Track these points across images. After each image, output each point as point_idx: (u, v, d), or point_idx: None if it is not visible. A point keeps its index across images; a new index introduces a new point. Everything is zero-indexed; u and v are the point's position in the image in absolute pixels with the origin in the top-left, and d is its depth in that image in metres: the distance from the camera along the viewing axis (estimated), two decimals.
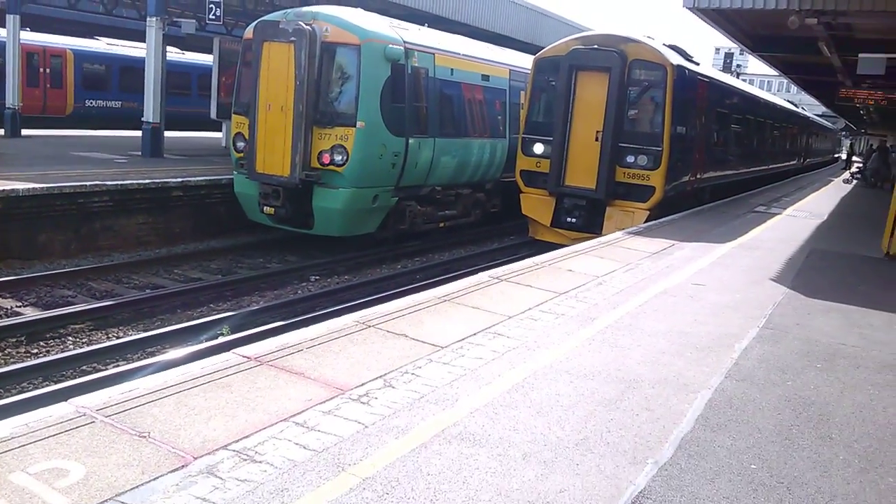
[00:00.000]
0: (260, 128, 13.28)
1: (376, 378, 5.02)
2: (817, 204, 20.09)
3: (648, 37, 15.42)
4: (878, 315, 8.02)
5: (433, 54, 14.85)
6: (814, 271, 10.24)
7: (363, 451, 3.97)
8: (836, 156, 64.88)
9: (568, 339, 6.22)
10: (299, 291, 11.96)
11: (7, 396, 7.20)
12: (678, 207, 15.26)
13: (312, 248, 14.37)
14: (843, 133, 69.03)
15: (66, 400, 4.35)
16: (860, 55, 15.24)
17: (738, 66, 68.92)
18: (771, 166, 27.24)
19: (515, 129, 16.92)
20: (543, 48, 15.98)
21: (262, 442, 3.99)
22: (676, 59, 14.57)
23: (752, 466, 4.19)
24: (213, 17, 18.30)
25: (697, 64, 16.84)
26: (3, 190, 11.68)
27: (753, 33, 18.93)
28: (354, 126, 12.96)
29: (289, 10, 13.69)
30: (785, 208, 17.92)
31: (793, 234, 13.60)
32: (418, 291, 7.92)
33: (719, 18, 16.31)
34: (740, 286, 8.80)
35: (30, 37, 24.85)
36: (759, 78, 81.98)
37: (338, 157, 13.00)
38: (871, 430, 4.88)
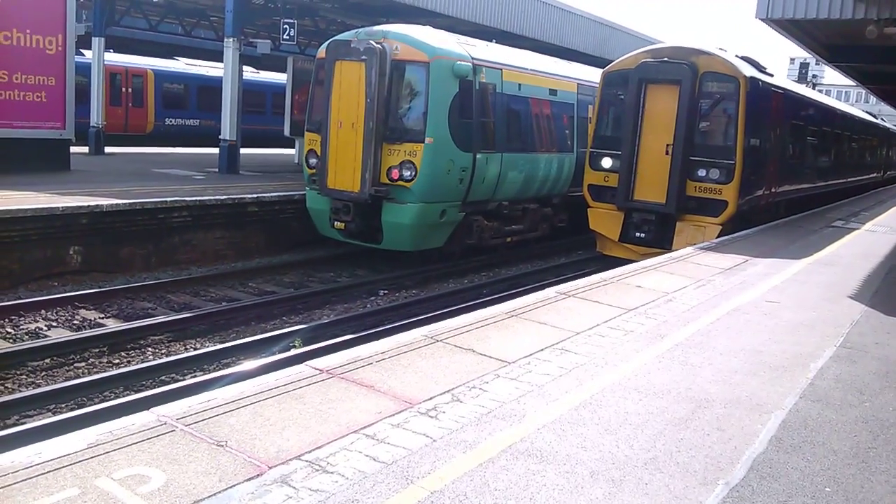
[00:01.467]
0: (331, 144, 13.57)
1: (444, 392, 5.08)
2: None
3: (720, 49, 15.19)
4: None
5: (500, 70, 14.93)
6: (893, 289, 9.90)
7: (431, 464, 4.03)
8: None
9: (637, 356, 6.18)
10: (368, 305, 12.14)
11: (91, 405, 7.52)
12: (752, 222, 14.93)
13: (381, 262, 14.57)
14: None
15: (146, 409, 4.55)
16: None
17: (814, 76, 67.08)
18: (849, 179, 26.41)
19: (583, 143, 16.85)
20: (611, 61, 15.90)
21: (333, 453, 4.09)
22: (749, 71, 14.31)
23: (827, 489, 4.10)
24: (287, 38, 18.83)
25: (771, 75, 16.51)
26: (88, 206, 12.21)
27: (829, 43, 18.44)
28: (423, 142, 13.12)
29: (360, 30, 13.98)
30: (864, 223, 17.35)
31: (872, 249, 13.17)
32: (485, 306, 7.97)
33: (793, 28, 15.95)
34: (816, 304, 8.58)
35: (113, 58, 25.94)
36: (836, 88, 79.65)
37: (406, 173, 13.18)
38: None
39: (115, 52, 26.51)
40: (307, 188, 14.63)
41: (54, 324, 10.03)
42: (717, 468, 4.25)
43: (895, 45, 15.89)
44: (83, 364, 8.79)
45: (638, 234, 14.38)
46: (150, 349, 9.45)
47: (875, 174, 33.42)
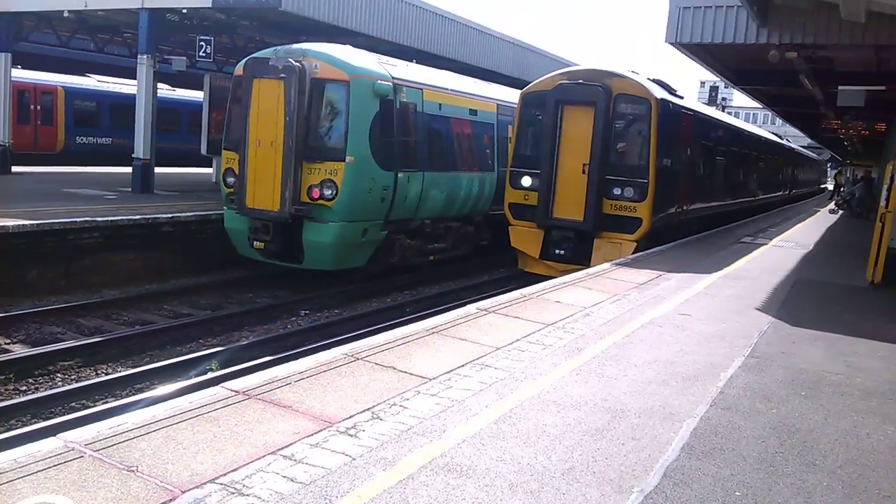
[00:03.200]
0: (250, 163, 13.38)
1: (364, 410, 5.05)
2: (803, 234, 20.28)
3: (633, 71, 15.67)
4: (862, 343, 8.10)
5: (421, 89, 15.04)
6: (799, 301, 10.34)
7: (350, 483, 3.99)
8: (823, 186, 65.52)
9: (555, 369, 6.27)
10: (289, 326, 11.97)
11: None
12: (665, 239, 15.40)
13: (302, 282, 14.40)
14: (830, 164, 69.81)
15: (54, 436, 4.37)
16: (840, 87, 15.54)
17: (724, 98, 69.73)
18: (757, 197, 27.53)
19: (503, 162, 17.08)
20: (530, 83, 16.22)
21: (249, 475, 4.01)
22: (660, 93, 14.81)
23: (737, 493, 4.24)
24: (204, 55, 18.53)
25: (682, 97, 17.12)
26: None
27: (736, 67, 19.27)
28: (344, 160, 13.07)
29: (279, 48, 13.86)
30: (771, 238, 18.09)
31: (779, 264, 13.73)
32: (407, 324, 7.96)
33: (701, 52, 16.62)
34: (726, 316, 8.89)
35: (21, 74, 25.02)
36: (744, 110, 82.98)
37: (327, 192, 13.10)
38: (855, 456, 4.94)
39: (23, 68, 25.57)
40: (225, 207, 14.37)
41: None
42: (632, 476, 4.34)
43: (796, 69, 16.70)
44: None
45: (557, 251, 14.65)
46: (59, 375, 9.10)
47: (782, 192, 34.91)
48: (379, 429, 4.75)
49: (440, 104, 15.69)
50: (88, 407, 8.02)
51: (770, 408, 5.74)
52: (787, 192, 36.89)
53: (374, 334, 7.50)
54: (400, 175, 14.14)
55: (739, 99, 78.41)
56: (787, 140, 39.74)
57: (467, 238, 17.51)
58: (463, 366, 6.20)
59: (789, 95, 23.29)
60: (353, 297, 14.10)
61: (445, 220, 16.42)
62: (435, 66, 17.77)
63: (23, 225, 12.10)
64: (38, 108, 26.59)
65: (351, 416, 4.92)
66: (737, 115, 52.79)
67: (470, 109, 16.92)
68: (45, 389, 8.54)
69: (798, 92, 20.81)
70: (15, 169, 21.30)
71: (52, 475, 3.84)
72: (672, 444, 4.87)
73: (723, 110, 44.24)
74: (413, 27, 21.32)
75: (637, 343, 7.33)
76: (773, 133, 35.32)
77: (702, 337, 7.77)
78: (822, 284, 11.99)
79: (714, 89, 66.59)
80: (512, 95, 18.17)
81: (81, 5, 18.58)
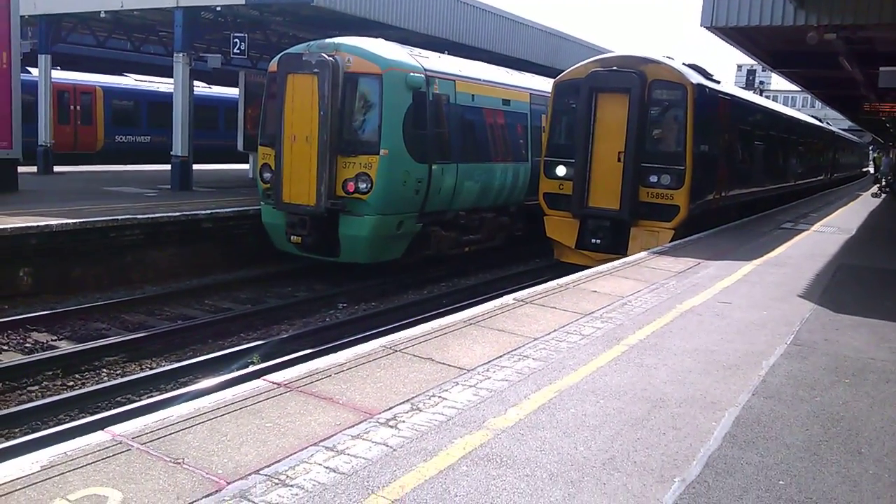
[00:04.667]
0: (286, 158, 13.50)
1: (403, 402, 5.09)
2: (845, 219, 19.92)
3: (668, 57, 15.48)
4: None
5: (454, 81, 15.03)
6: (842, 287, 10.17)
7: (391, 473, 4.03)
8: (865, 170, 64.21)
9: (593, 359, 6.25)
10: (327, 319, 12.08)
11: (44, 428, 7.36)
12: (704, 226, 15.22)
13: (339, 275, 14.51)
14: (871, 147, 68.35)
15: (101, 430, 4.47)
16: (881, 69, 15.18)
17: (761, 82, 68.66)
18: (797, 182, 27.07)
19: (537, 152, 17.01)
20: (563, 71, 16.11)
21: (292, 466, 4.06)
22: (696, 79, 14.62)
23: (781, 482, 4.19)
24: (238, 52, 18.72)
25: (718, 82, 16.87)
26: (38, 226, 11.98)
27: (773, 49, 18.92)
28: (378, 154, 13.13)
29: (312, 43, 13.95)
30: (812, 224, 17.79)
31: (820, 249, 13.51)
32: (444, 316, 7.99)
33: (737, 36, 16.34)
34: (767, 303, 8.77)
35: (60, 75, 25.51)
36: (782, 94, 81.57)
37: (362, 185, 13.17)
38: None
39: (62, 69, 26.07)
40: (262, 203, 14.52)
41: (5, 347, 9.79)
42: (674, 466, 4.32)
43: (835, 51, 16.36)
44: (36, 387, 8.60)
45: (594, 241, 14.56)
46: (104, 370, 9.29)
47: (822, 177, 34.29)
48: (419, 420, 4.78)
49: (473, 95, 15.66)
50: (134, 401, 8.17)
51: (813, 396, 5.67)
52: (827, 177, 36.23)
53: (411, 326, 7.55)
54: (434, 167, 14.16)
55: (777, 82, 77.20)
56: (827, 123, 39.00)
57: (502, 229, 17.48)
58: (501, 356, 6.21)
59: (828, 78, 22.82)
60: (390, 289, 14.18)
61: (480, 212, 16.40)
62: (467, 57, 17.74)
63: (66, 223, 12.35)
64: (78, 108, 27.09)
65: (391, 408, 4.96)
66: (775, 99, 51.91)
67: (503, 100, 16.86)
68: (92, 384, 8.72)
69: (837, 74, 20.38)
70: (56, 169, 21.74)
71: (101, 468, 3.94)
72: (714, 433, 4.83)
73: (760, 94, 43.57)
74: (444, 18, 21.29)
75: (676, 332, 7.28)
76: (812, 116, 34.69)
77: (742, 325, 7.68)
78: (864, 270, 11.77)
79: (751, 73, 65.59)
80: (545, 84, 18.07)
81: (118, 5, 18.89)
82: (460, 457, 4.27)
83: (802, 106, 72.89)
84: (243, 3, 17.21)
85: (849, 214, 21.65)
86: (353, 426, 4.64)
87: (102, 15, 19.81)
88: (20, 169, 17.27)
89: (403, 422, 4.74)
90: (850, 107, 35.12)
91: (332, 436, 4.48)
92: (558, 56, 26.98)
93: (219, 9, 18.72)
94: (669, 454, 4.47)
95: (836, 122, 47.09)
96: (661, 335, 7.13)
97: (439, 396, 5.22)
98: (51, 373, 8.98)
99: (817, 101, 41.91)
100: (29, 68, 21.94)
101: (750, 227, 16.51)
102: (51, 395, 8.30)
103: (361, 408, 4.95)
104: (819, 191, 33.06)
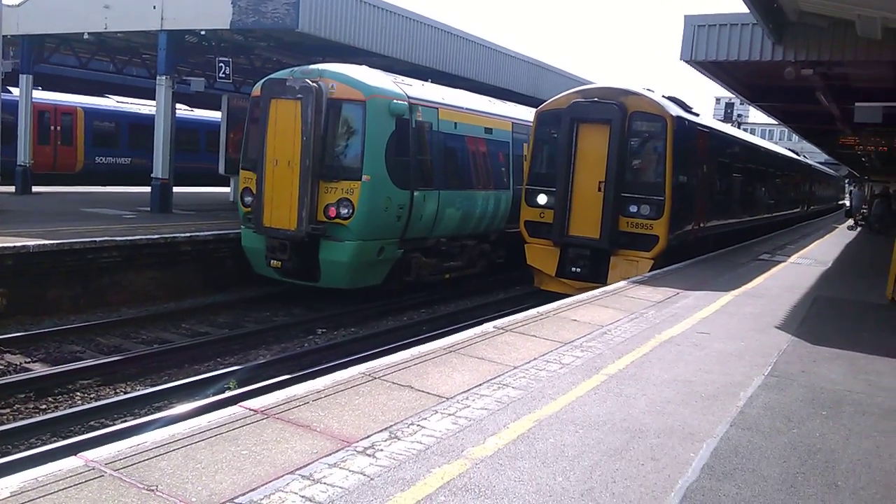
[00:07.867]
0: (267, 182, 13.49)
1: (382, 430, 5.05)
2: (822, 251, 20.15)
3: (648, 89, 15.67)
4: (883, 361, 8.02)
5: (437, 108, 15.12)
6: (819, 318, 10.26)
7: (368, 503, 3.99)
8: (841, 203, 65.06)
9: (573, 389, 6.25)
10: (306, 344, 12.00)
11: (16, 452, 7.21)
12: (682, 256, 15.33)
13: (319, 300, 14.43)
14: (847, 180, 69.32)
15: (74, 455, 4.40)
16: (856, 104, 15.48)
17: (739, 115, 69.66)
18: (774, 214, 27.39)
19: (519, 180, 17.11)
20: (545, 101, 16.27)
21: (268, 495, 4.01)
22: (675, 111, 14.80)
23: None
24: (224, 76, 18.72)
25: (697, 115, 17.10)
26: (14, 247, 11.84)
27: (751, 83, 19.25)
28: (360, 180, 13.15)
29: (296, 68, 14.00)
30: (789, 255, 17.98)
31: (797, 281, 13.64)
32: (424, 343, 7.97)
33: (716, 70, 16.62)
34: (745, 334, 8.83)
35: (42, 95, 25.37)
36: (760, 127, 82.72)
37: (344, 211, 13.17)
38: (878, 476, 4.88)
39: (43, 89, 25.92)
40: (242, 226, 14.47)
41: None
42: (652, 497, 4.31)
43: (813, 86, 16.66)
44: (8, 410, 8.46)
45: (574, 269, 14.62)
46: (78, 393, 9.15)
47: (798, 209, 34.72)
48: (397, 448, 4.75)
49: (455, 123, 15.75)
50: (108, 425, 8.04)
51: (791, 427, 5.69)
52: (804, 209, 36.68)
53: (390, 353, 7.51)
54: (416, 194, 14.20)
55: (755, 115, 78.25)
56: (804, 156, 39.55)
57: (483, 256, 17.51)
58: (480, 385, 6.19)
59: (805, 112, 23.21)
60: (369, 315, 14.12)
61: (461, 238, 16.44)
62: (450, 85, 17.85)
63: (43, 244, 12.22)
64: (58, 128, 26.92)
65: (369, 436, 4.92)
66: (753, 132, 52.65)
67: (485, 128, 16.98)
68: (65, 408, 8.58)
69: (814, 108, 20.73)
70: (35, 189, 21.55)
71: (73, 494, 3.86)
72: (692, 464, 4.83)
73: (738, 127, 44.14)
74: (428, 47, 21.45)
75: (655, 362, 7.30)
76: (789, 149, 35.19)
77: (721, 356, 7.72)
78: (841, 302, 11.89)
79: (730, 106, 66.50)
80: (527, 113, 18.22)
81: (101, 27, 18.87)
82: (438, 486, 4.24)
83: (780, 139, 73.89)
84: (228, 27, 17.25)
85: (825, 246, 21.90)
86: (330, 454, 4.59)
87: (86, 36, 19.80)
88: None
89: (381, 450, 4.70)
90: (826, 140, 35.69)
91: (309, 464, 4.43)
92: (540, 86, 27.23)
93: (203, 32, 18.76)
94: (648, 485, 4.47)
95: (812, 155, 47.74)
96: (641, 365, 7.14)
97: (418, 425, 5.19)
98: (23, 395, 8.83)
99: (794, 135, 42.55)
100: (10, 88, 21.82)
101: (728, 257, 16.65)
102: (23, 419, 8.16)
103: (339, 436, 4.90)
104: (796, 223, 33.45)
